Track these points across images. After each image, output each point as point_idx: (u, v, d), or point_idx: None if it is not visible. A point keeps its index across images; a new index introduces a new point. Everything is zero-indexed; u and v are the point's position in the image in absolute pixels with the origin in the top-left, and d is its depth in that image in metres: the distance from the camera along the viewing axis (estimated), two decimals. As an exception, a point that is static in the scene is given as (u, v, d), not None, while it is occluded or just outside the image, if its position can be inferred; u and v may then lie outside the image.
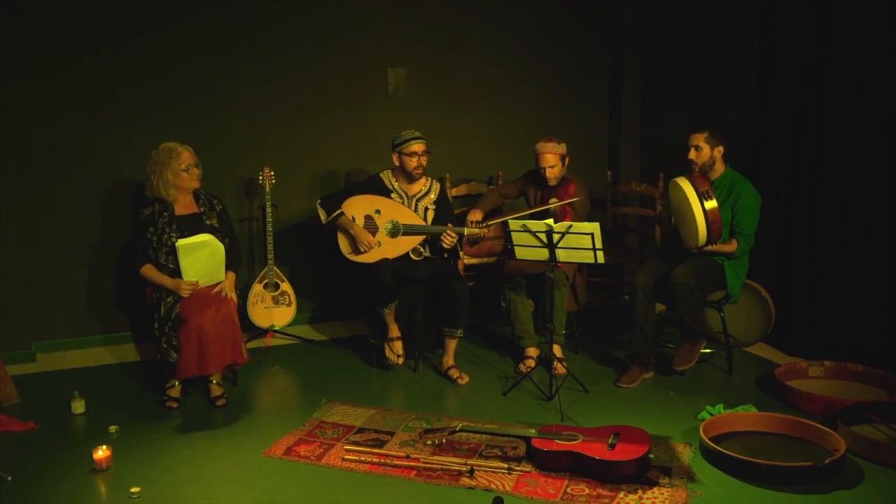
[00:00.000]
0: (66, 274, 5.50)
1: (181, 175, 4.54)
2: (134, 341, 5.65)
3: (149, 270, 4.52)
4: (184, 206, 4.64)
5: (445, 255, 5.11)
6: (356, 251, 4.95)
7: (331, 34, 5.87)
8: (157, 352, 4.44)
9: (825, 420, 4.02)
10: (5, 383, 4.57)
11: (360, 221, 4.96)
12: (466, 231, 4.92)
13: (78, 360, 5.32)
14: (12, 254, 5.25)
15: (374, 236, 4.95)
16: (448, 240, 4.90)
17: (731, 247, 4.66)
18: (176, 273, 4.50)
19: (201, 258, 4.46)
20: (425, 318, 5.02)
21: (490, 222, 5.07)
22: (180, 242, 4.41)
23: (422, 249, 5.05)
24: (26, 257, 5.33)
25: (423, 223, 4.99)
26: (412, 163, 4.93)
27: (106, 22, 5.32)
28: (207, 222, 4.67)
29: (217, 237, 4.60)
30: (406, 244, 4.98)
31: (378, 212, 4.97)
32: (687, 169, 4.73)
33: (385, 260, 4.90)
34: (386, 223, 4.96)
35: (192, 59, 5.56)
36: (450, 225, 4.95)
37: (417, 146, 4.92)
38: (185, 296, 4.46)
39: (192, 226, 4.60)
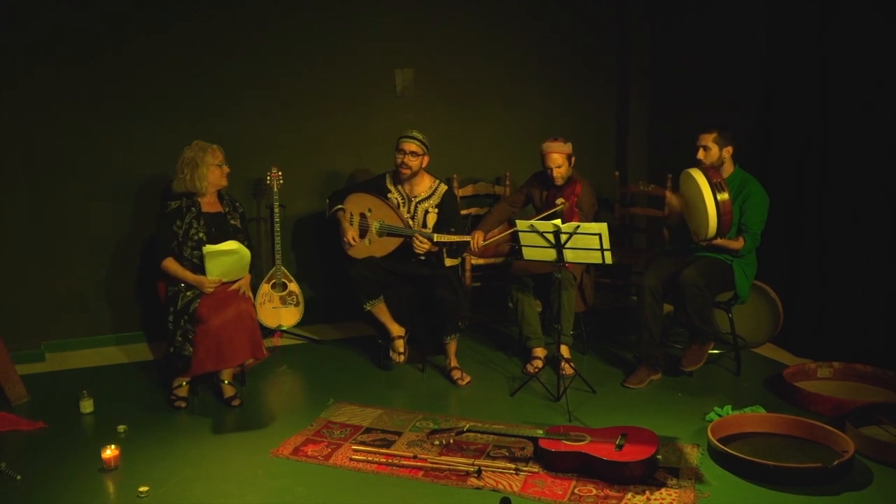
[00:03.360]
0: (75, 273, 5.52)
1: (214, 170, 4.60)
2: (143, 341, 5.67)
3: (171, 264, 4.54)
4: (209, 204, 4.69)
5: (433, 261, 5.05)
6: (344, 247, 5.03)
7: (338, 35, 5.89)
8: (171, 345, 4.43)
9: (834, 421, 4.00)
10: (14, 382, 4.58)
11: (356, 218, 5.02)
12: (436, 237, 4.85)
13: (87, 360, 5.33)
14: (21, 253, 5.28)
15: (366, 234, 4.99)
16: (417, 244, 4.85)
17: (738, 244, 4.65)
18: (199, 269, 4.53)
19: (226, 262, 4.50)
20: (425, 320, 5.02)
21: (496, 236, 5.05)
22: (207, 249, 4.44)
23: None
24: (35, 257, 5.36)
25: (402, 225, 4.98)
26: (398, 159, 4.95)
27: (114, 21, 5.35)
28: (232, 222, 4.73)
29: (238, 237, 4.69)
30: (390, 244, 4.99)
31: (370, 210, 5.00)
32: (694, 164, 4.72)
33: (370, 258, 4.93)
34: (375, 222, 4.98)
35: (200, 58, 5.59)
36: (421, 230, 4.94)
37: (405, 145, 4.92)
38: (209, 292, 4.48)
39: (217, 223, 4.66)
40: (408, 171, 4.95)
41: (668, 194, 5.05)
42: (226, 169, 4.67)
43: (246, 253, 4.56)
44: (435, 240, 4.85)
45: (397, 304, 4.98)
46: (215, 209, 4.72)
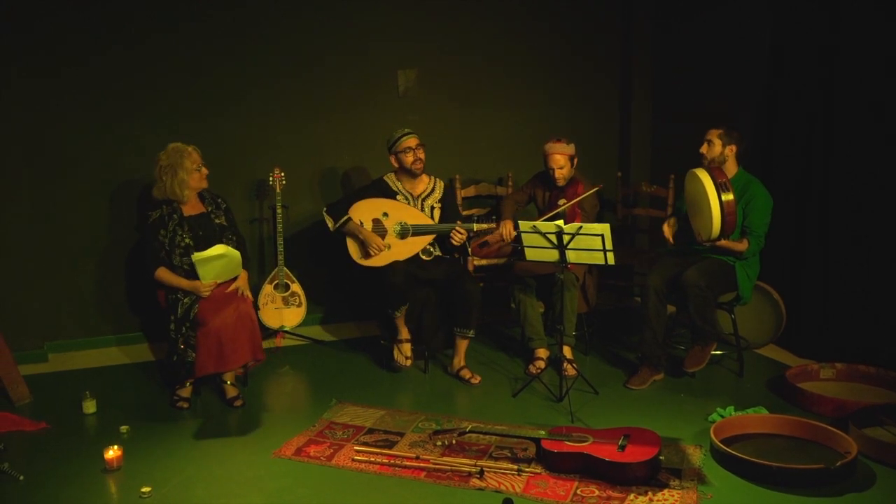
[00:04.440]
0: (78, 274, 5.52)
1: (194, 174, 4.56)
2: (145, 341, 5.67)
3: (164, 273, 4.51)
4: (191, 206, 4.65)
5: (457, 255, 5.11)
6: (366, 255, 4.95)
7: (341, 35, 5.89)
8: (174, 353, 4.42)
9: (836, 422, 4.00)
10: (17, 383, 4.59)
11: (367, 225, 4.97)
12: (475, 227, 4.90)
13: (89, 361, 5.34)
14: (24, 254, 5.28)
15: (383, 239, 4.95)
16: (458, 237, 4.88)
17: (742, 246, 4.63)
18: (191, 274, 4.50)
19: (217, 266, 4.47)
20: (434, 318, 5.02)
21: (485, 236, 5.09)
22: (196, 257, 4.41)
23: (432, 249, 5.06)
24: (38, 257, 5.36)
25: (431, 222, 4.99)
26: (409, 158, 4.95)
27: (115, 22, 5.35)
28: (216, 221, 4.69)
29: (226, 235, 4.66)
30: (416, 245, 4.98)
31: (386, 214, 4.97)
32: (698, 164, 4.71)
33: (396, 262, 4.90)
34: (394, 225, 4.96)
35: (202, 59, 5.59)
36: (458, 222, 4.95)
37: (410, 141, 4.94)
38: (206, 296, 4.47)
39: (202, 225, 4.62)
40: (421, 165, 4.99)
41: (665, 227, 4.98)
42: (205, 171, 4.62)
43: (235, 254, 4.51)
44: (475, 229, 4.89)
45: (411, 308, 4.98)
46: (197, 210, 4.67)
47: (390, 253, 4.95)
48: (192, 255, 4.42)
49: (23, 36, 5.14)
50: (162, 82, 5.52)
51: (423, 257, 5.04)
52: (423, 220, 4.98)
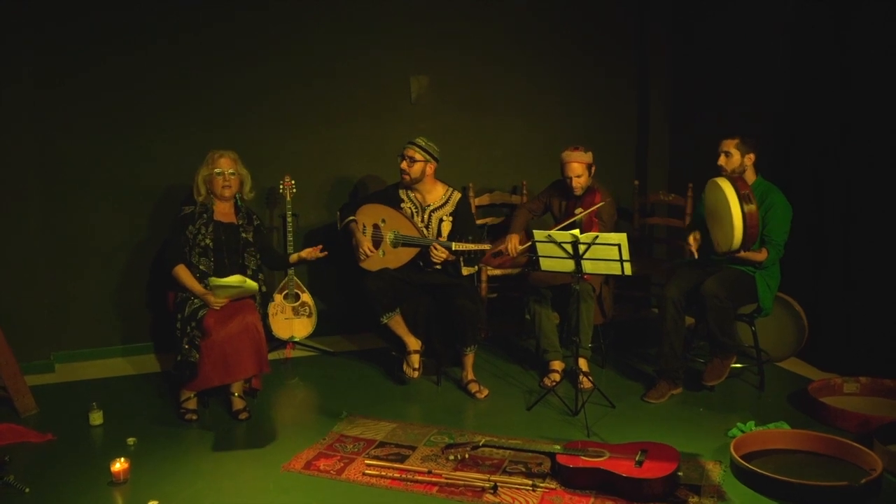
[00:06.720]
0: (85, 284, 5.51)
1: (214, 178, 4.61)
2: (153, 352, 5.66)
3: (181, 272, 4.52)
4: (223, 213, 4.70)
5: (450, 270, 4.99)
6: (359, 258, 4.95)
7: (353, 42, 5.88)
8: (178, 353, 4.40)
9: (861, 438, 3.93)
10: (24, 394, 4.56)
11: (369, 230, 4.97)
12: (455, 246, 4.75)
13: (96, 371, 5.32)
14: (32, 264, 5.27)
15: (380, 245, 4.93)
16: (435, 253, 4.78)
17: (762, 255, 4.56)
18: (205, 276, 4.51)
19: (231, 291, 4.46)
20: (442, 332, 4.94)
21: (526, 243, 4.99)
22: (213, 281, 4.40)
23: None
24: (45, 267, 5.34)
25: (418, 235, 4.91)
26: (400, 165, 4.93)
27: (125, 30, 5.36)
28: (243, 235, 4.72)
29: (250, 251, 4.72)
30: (405, 255, 4.92)
31: (384, 221, 4.94)
32: (717, 173, 4.64)
33: (385, 270, 4.86)
34: (389, 233, 4.92)
35: (214, 67, 5.59)
36: (438, 239, 4.88)
37: (405, 150, 4.92)
38: (216, 308, 4.45)
39: (228, 233, 4.66)
40: (407, 178, 4.93)
41: (691, 240, 4.83)
42: (231, 178, 4.64)
43: (252, 286, 4.47)
44: (454, 248, 4.77)
45: (413, 316, 4.92)
46: (228, 219, 4.71)
47: (383, 259, 4.92)
48: (210, 279, 4.43)
49: (32, 45, 5.14)
50: (172, 90, 5.51)
51: (428, 269, 4.97)
52: (412, 231, 4.91)
